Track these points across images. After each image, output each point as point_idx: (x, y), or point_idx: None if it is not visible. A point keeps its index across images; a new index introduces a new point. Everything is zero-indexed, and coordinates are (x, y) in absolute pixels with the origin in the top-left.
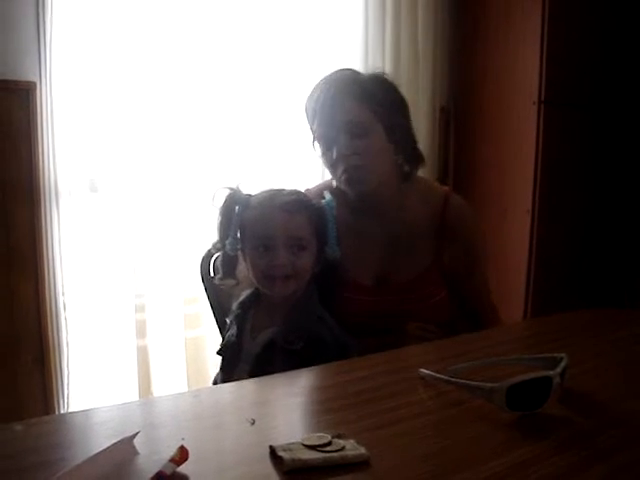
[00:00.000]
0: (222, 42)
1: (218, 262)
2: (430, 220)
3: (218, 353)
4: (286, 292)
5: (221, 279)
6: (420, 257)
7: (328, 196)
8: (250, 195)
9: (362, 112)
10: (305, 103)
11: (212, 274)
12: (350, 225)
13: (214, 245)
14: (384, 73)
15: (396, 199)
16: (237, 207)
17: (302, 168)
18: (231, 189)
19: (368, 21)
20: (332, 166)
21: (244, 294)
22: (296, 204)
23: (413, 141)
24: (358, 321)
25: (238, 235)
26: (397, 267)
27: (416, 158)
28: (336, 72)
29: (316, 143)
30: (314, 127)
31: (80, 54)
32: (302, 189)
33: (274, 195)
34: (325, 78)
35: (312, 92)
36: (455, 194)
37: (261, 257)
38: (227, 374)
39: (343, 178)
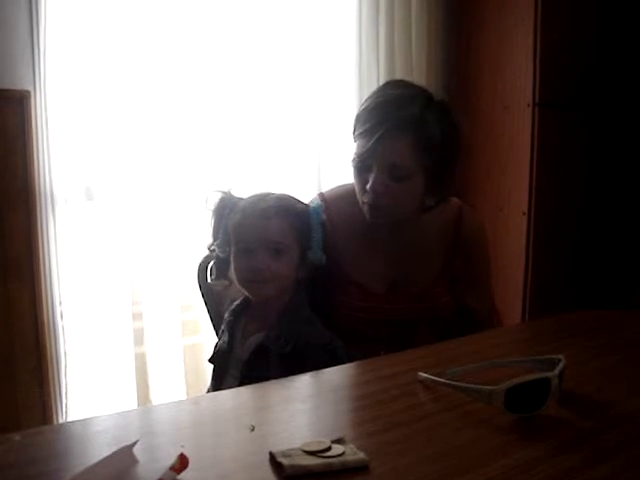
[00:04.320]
0: (215, 46)
1: (213, 265)
2: (444, 231)
3: (210, 361)
4: (265, 295)
5: (215, 280)
6: (431, 267)
7: (316, 201)
8: (240, 199)
9: (410, 158)
10: (360, 111)
11: (209, 280)
12: (365, 232)
13: (208, 247)
14: (447, 103)
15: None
16: (226, 211)
17: (298, 171)
18: (223, 192)
19: (361, 23)
20: (361, 190)
21: (235, 302)
22: (276, 209)
23: (449, 185)
24: (366, 328)
25: (228, 238)
26: (409, 276)
27: (443, 198)
28: (402, 93)
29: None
30: (357, 141)
31: (74, 62)
32: (316, 193)
33: (257, 200)
34: (388, 101)
35: (369, 106)
36: (466, 206)
37: (241, 260)
38: (218, 381)
39: (365, 207)
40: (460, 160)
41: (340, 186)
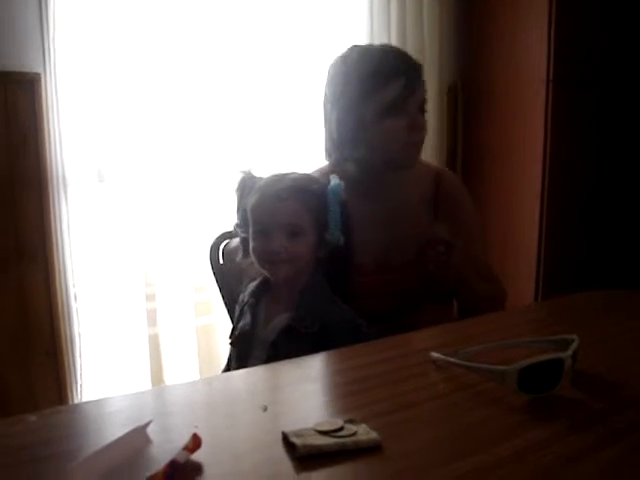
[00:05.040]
0: (227, 28)
1: (233, 244)
2: (425, 196)
3: (231, 344)
4: (282, 276)
5: (241, 258)
6: (418, 235)
7: (335, 180)
8: (260, 179)
9: (424, 87)
10: (370, 75)
11: (221, 261)
12: (349, 207)
13: (234, 226)
14: None
15: (396, 178)
16: (245, 191)
17: (308, 152)
18: (244, 172)
19: (373, 9)
20: (399, 136)
21: (254, 283)
22: (291, 190)
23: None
24: (362, 303)
25: (247, 218)
26: (397, 247)
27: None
28: (378, 46)
29: (368, 117)
30: (387, 94)
31: (84, 44)
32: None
33: (274, 182)
34: (387, 49)
35: (381, 66)
36: (443, 167)
37: (258, 242)
38: (241, 363)
39: (405, 153)
40: None
41: (315, 170)
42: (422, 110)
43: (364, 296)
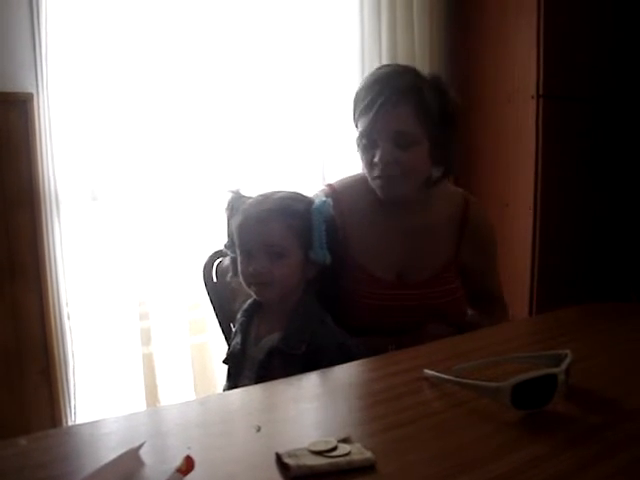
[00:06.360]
0: (218, 44)
1: (226, 262)
2: (451, 219)
3: (224, 362)
4: (268, 297)
5: (231, 277)
6: (441, 254)
7: (321, 198)
8: (247, 198)
9: (413, 124)
10: (357, 91)
11: (215, 279)
12: (374, 219)
13: (224, 245)
14: (441, 77)
15: (421, 198)
16: (233, 212)
17: (303, 166)
18: (232, 192)
19: (364, 17)
20: (369, 166)
21: (247, 301)
22: (274, 213)
23: (453, 154)
24: (375, 317)
25: (233, 240)
26: (418, 263)
27: (449, 169)
28: (395, 68)
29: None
30: (359, 121)
31: (76, 64)
32: (325, 184)
33: (258, 203)
34: (384, 73)
35: (366, 84)
36: (471, 195)
37: (243, 263)
38: (233, 382)
39: (377, 182)
40: (459, 131)
41: (348, 176)
42: (400, 144)
43: (379, 308)
